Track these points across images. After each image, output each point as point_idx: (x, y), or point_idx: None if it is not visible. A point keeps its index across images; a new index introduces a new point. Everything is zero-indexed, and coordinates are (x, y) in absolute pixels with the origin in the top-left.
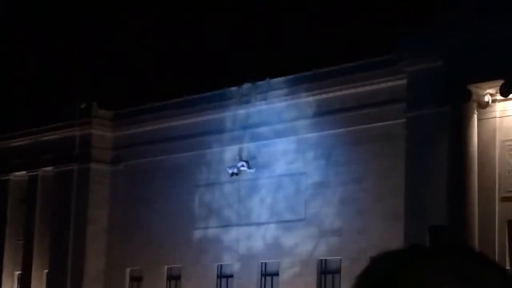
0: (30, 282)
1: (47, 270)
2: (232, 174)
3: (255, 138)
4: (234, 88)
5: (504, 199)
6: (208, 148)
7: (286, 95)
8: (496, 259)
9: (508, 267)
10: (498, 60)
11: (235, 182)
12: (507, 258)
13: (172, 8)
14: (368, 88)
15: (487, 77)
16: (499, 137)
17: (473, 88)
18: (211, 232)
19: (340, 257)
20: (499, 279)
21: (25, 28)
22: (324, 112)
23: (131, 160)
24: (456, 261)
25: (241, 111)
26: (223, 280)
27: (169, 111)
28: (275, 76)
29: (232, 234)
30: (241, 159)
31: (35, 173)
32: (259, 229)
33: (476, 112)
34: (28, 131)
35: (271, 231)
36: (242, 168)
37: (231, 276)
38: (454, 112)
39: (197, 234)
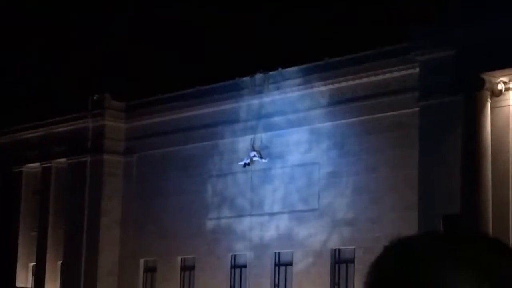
0: (44, 274)
1: (61, 262)
2: (245, 164)
3: (268, 128)
4: (246, 78)
5: None
6: (221, 138)
7: (299, 85)
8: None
9: None
10: (511, 48)
11: (248, 172)
12: None
13: None
14: (380, 77)
15: (500, 65)
16: None
17: (486, 76)
18: (225, 222)
19: (353, 247)
20: None
21: (39, 19)
22: (336, 102)
23: (144, 151)
24: (470, 249)
25: (254, 101)
26: (237, 270)
27: (182, 101)
28: (288, 66)
29: (246, 224)
30: (253, 149)
31: (48, 165)
32: (273, 219)
33: (489, 101)
34: (41, 123)
35: (284, 221)
36: (254, 158)
37: (245, 266)
38: (467, 100)
39: (211, 224)
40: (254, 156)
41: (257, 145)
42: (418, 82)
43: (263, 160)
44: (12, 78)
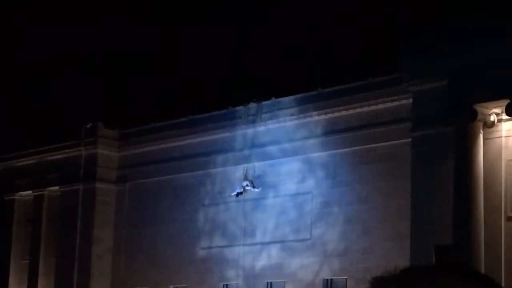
0: None
1: None
2: (238, 194)
3: (261, 157)
4: (239, 108)
5: (510, 218)
6: (213, 167)
7: (292, 114)
8: (503, 278)
9: None
10: (504, 80)
11: (241, 201)
12: None
13: (177, 27)
14: (373, 107)
15: (493, 97)
16: (505, 156)
17: (478, 107)
18: (217, 251)
19: (345, 277)
20: None
21: (31, 47)
22: (329, 132)
23: (137, 180)
24: (441, 282)
25: (247, 131)
26: None
27: (175, 130)
28: (281, 96)
29: (238, 254)
30: (246, 179)
31: (40, 192)
32: (265, 248)
33: (482, 132)
34: (33, 151)
35: (276, 250)
36: (247, 188)
37: None
38: (459, 131)
39: (203, 253)
40: (247, 185)
41: (250, 174)
42: (411, 112)
43: (256, 190)
44: (5, 106)
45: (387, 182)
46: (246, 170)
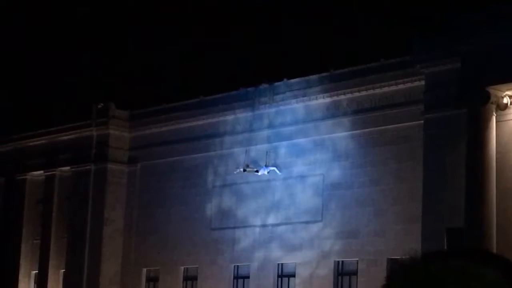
0: (46, 282)
1: (63, 270)
2: (244, 170)
3: (272, 139)
4: (251, 89)
5: None
6: (224, 148)
7: (303, 96)
8: None
9: None
10: None
11: (252, 183)
12: None
13: (189, 9)
14: (385, 89)
15: (506, 79)
16: None
17: (491, 90)
18: (228, 233)
19: (357, 259)
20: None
21: (43, 28)
22: (341, 114)
23: (148, 161)
24: (460, 265)
25: (258, 112)
26: (240, 281)
27: (186, 111)
28: (292, 77)
29: (249, 235)
30: (268, 162)
31: (52, 173)
32: (276, 230)
33: (494, 114)
34: (45, 131)
35: (287, 232)
36: (271, 168)
37: (248, 277)
38: (472, 114)
39: (214, 234)
40: (271, 166)
41: (260, 155)
42: (423, 94)
43: (275, 171)
44: (17, 87)
45: (399, 164)
46: (258, 152)
